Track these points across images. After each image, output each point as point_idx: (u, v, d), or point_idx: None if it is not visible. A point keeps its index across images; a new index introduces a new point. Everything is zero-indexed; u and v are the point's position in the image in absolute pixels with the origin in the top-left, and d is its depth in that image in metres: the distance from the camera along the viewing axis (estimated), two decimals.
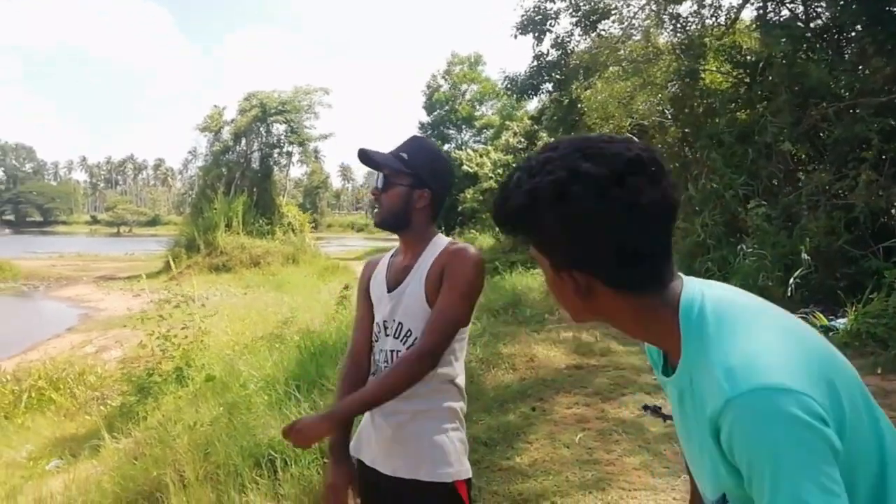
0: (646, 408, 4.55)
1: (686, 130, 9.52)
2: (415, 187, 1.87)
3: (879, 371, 4.82)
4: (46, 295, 22.43)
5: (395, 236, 1.98)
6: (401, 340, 1.86)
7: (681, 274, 0.95)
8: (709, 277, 6.71)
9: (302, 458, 3.90)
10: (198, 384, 5.78)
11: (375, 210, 1.93)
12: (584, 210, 0.87)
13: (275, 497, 3.72)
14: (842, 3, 7.75)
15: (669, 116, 10.49)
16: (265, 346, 6.97)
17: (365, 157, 1.93)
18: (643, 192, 0.87)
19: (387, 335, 1.89)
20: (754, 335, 0.84)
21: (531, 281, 12.04)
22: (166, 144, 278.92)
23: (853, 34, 8.14)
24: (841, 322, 5.67)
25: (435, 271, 1.85)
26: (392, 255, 2.00)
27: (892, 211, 6.85)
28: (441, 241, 1.91)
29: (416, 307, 1.84)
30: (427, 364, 1.76)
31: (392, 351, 1.87)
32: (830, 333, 5.62)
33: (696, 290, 0.93)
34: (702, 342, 0.87)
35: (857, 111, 7.09)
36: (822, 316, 5.89)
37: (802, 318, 5.92)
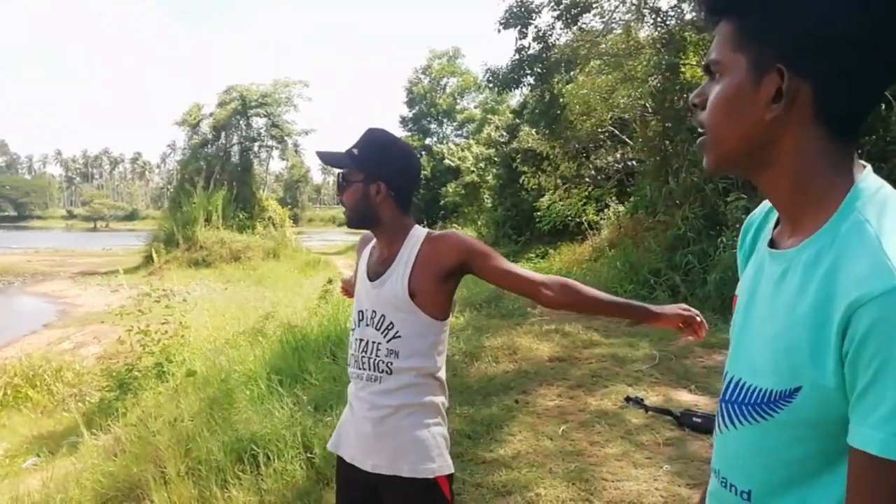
0: (628, 399, 4.60)
1: (667, 124, 9.58)
2: (368, 182, 1.86)
3: None
4: (22, 291, 22.06)
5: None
6: (381, 333, 1.84)
7: (868, 166, 0.81)
8: (689, 271, 6.79)
9: (285, 452, 3.89)
10: (178, 379, 5.72)
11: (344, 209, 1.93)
12: None
13: (257, 492, 3.69)
14: None
15: (650, 110, 10.55)
16: (246, 340, 6.92)
17: (321, 158, 1.94)
18: None
19: (367, 325, 1.88)
20: None
21: None
22: (143, 138, 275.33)
23: None
24: None
25: (424, 264, 1.83)
26: (372, 247, 1.99)
27: None
28: (418, 232, 1.89)
29: (398, 300, 1.83)
30: (556, 289, 1.86)
31: (372, 342, 1.85)
32: None
33: (880, 181, 0.80)
34: (870, 224, 0.73)
35: None
36: None
37: None
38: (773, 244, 0.88)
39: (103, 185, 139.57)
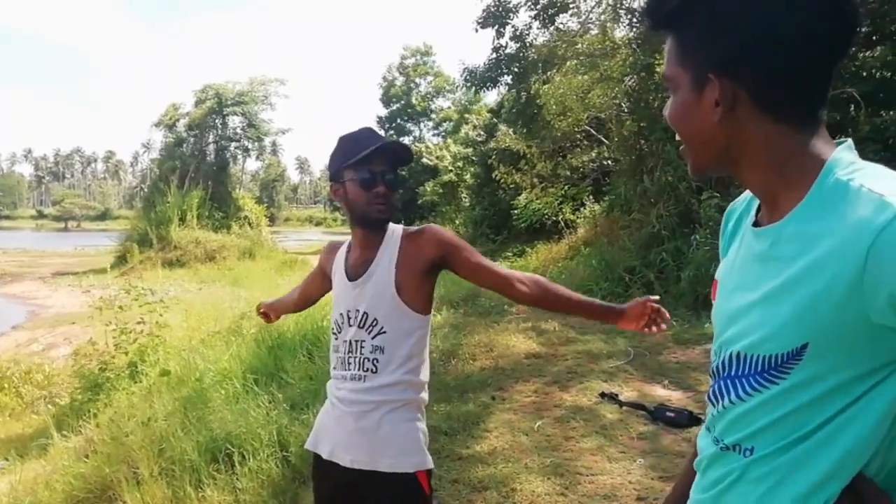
0: (603, 395, 4.64)
1: (642, 124, 9.67)
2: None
3: None
4: None
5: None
6: (366, 330, 1.84)
7: (848, 142, 0.87)
8: (663, 268, 6.86)
9: (260, 451, 3.86)
10: (152, 379, 5.65)
11: (382, 206, 1.95)
12: None
13: (232, 491, 3.67)
14: None
15: (626, 110, 10.65)
16: (222, 340, 6.85)
17: (395, 146, 1.95)
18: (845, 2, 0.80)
19: (350, 325, 1.87)
20: None
21: None
22: (116, 136, 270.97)
23: None
24: None
25: (407, 260, 1.84)
26: (347, 249, 1.99)
27: None
28: (396, 229, 1.91)
29: (384, 297, 1.83)
30: (529, 285, 1.86)
31: (356, 341, 1.85)
32: None
33: (855, 153, 0.86)
34: (852, 181, 0.79)
35: None
36: None
37: None
38: (756, 226, 0.93)
39: (75, 185, 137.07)
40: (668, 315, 1.86)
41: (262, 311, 2.53)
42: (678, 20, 0.88)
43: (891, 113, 6.97)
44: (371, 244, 1.90)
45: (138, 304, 7.10)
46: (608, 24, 11.17)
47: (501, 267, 1.93)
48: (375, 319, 1.83)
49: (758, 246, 0.90)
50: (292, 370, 5.16)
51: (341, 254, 1.99)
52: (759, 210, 0.96)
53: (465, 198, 21.98)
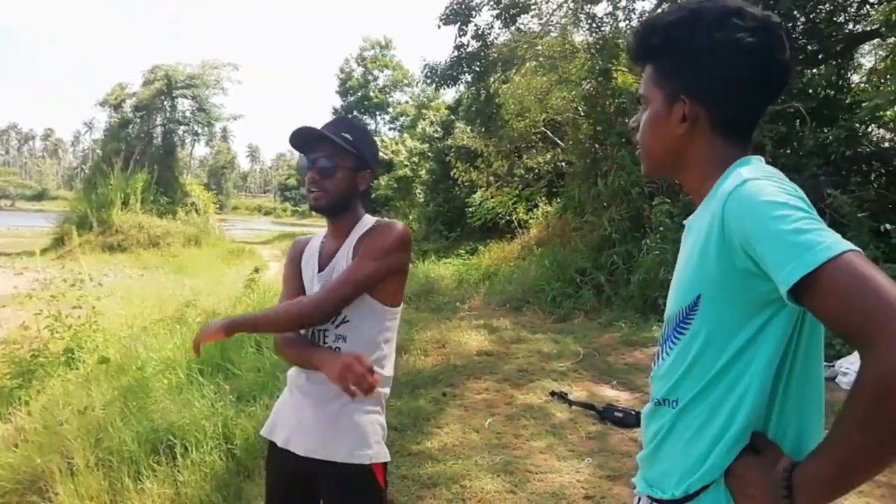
0: (553, 394, 4.68)
1: (598, 128, 9.82)
2: (358, 169, 1.83)
3: None
4: None
5: (305, 222, 1.94)
6: (330, 321, 1.80)
7: (760, 158, 1.09)
8: (613, 271, 6.99)
9: (204, 443, 3.74)
10: (90, 367, 5.40)
11: (312, 194, 1.82)
12: (737, 41, 1.03)
13: (173, 484, 3.54)
14: None
15: (582, 113, 10.79)
16: (165, 328, 6.62)
17: (308, 134, 1.81)
18: (783, 50, 1.05)
19: None
20: (778, 175, 1.00)
21: (444, 270, 12.13)
22: (57, 115, 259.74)
23: None
24: None
25: (358, 248, 1.81)
26: (322, 240, 1.93)
27: None
28: (368, 220, 1.88)
29: None
30: (311, 315, 1.73)
31: (320, 330, 1.81)
32: None
33: (761, 161, 1.08)
34: (736, 169, 1.01)
35: None
36: None
37: None
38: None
39: (10, 162, 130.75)
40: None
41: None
42: (658, 53, 1.12)
43: (833, 129, 7.25)
44: (337, 234, 1.87)
45: (74, 290, 6.78)
46: (568, 28, 11.28)
47: (338, 284, 1.74)
48: (344, 314, 1.78)
49: (684, 235, 1.13)
50: (239, 361, 5.02)
51: (314, 246, 1.93)
52: None
53: (419, 193, 21.91)
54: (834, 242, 0.83)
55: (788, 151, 7.51)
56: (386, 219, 1.93)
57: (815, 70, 8.37)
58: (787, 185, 0.95)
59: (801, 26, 8.53)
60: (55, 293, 6.43)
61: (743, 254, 0.91)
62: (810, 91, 7.94)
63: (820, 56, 8.42)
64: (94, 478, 3.57)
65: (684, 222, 1.14)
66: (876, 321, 0.78)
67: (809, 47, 8.48)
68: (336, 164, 1.79)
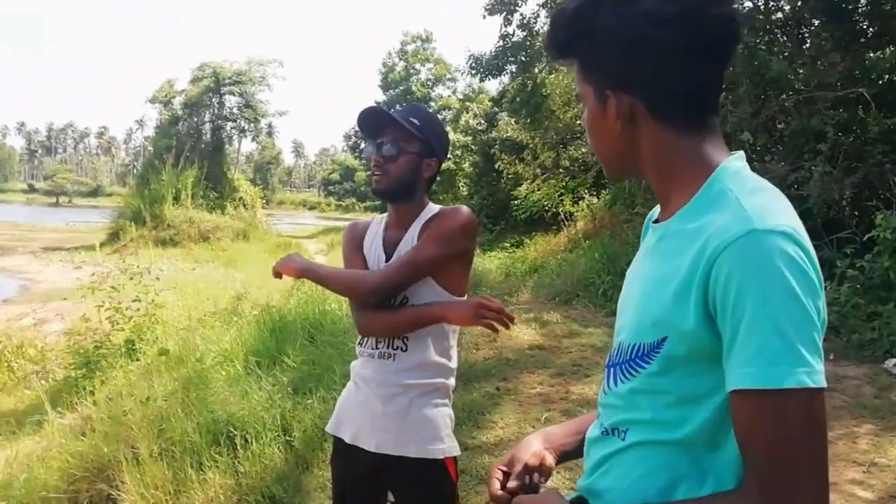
0: None
1: None
2: (424, 155, 1.80)
3: (832, 357, 4.98)
4: None
5: (348, 216, 1.91)
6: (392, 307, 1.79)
7: (740, 153, 0.95)
8: None
9: (263, 434, 3.79)
10: (150, 358, 5.55)
11: (375, 177, 1.80)
12: (649, 10, 0.87)
13: (234, 474, 3.60)
14: None
15: None
16: (220, 321, 6.76)
17: (375, 116, 1.81)
18: (714, 4, 0.87)
19: None
20: (786, 204, 0.86)
21: (489, 263, 12.09)
22: (111, 113, 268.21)
23: (812, 28, 8.33)
24: None
25: (423, 233, 1.79)
26: (384, 228, 1.90)
27: (844, 203, 7.06)
28: (433, 207, 1.85)
29: None
30: (372, 289, 1.73)
31: None
32: None
33: (744, 164, 0.93)
34: (731, 191, 0.85)
35: (815, 104, 7.25)
36: None
37: None
38: (656, 223, 1.01)
39: (67, 160, 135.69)
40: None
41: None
42: (570, 49, 0.97)
43: None
44: (400, 222, 1.85)
45: (133, 283, 6.98)
46: None
47: (400, 265, 1.75)
48: (406, 297, 1.77)
49: (650, 240, 1.00)
50: (294, 354, 5.08)
51: (375, 232, 1.91)
52: None
53: (462, 187, 21.86)
54: (809, 371, 0.74)
55: (851, 139, 7.20)
56: (449, 206, 1.90)
57: (878, 53, 7.99)
58: (802, 240, 0.79)
59: (863, 7, 8.17)
60: (113, 289, 6.62)
61: (717, 311, 0.80)
62: (873, 76, 7.59)
63: (884, 38, 8.05)
64: (158, 467, 3.66)
65: (653, 224, 0.99)
66: (788, 482, 0.75)
67: (872, 29, 8.11)
68: (401, 149, 1.77)
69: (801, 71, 7.77)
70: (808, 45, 8.38)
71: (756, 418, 0.77)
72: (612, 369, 0.98)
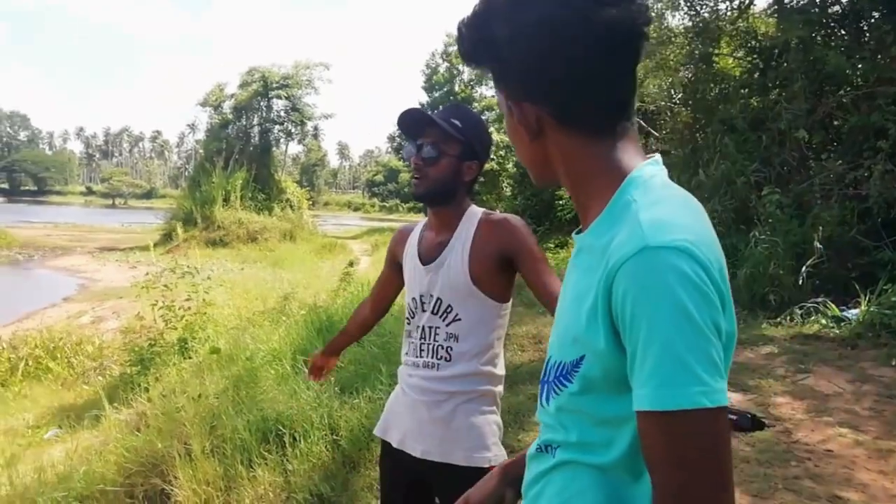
0: None
1: (697, 115, 9.39)
2: (464, 158, 1.76)
3: (894, 363, 4.77)
4: (42, 264, 22.25)
5: (392, 217, 1.91)
6: (440, 316, 1.77)
7: (656, 157, 0.91)
8: None
9: (311, 433, 3.84)
10: (201, 356, 5.69)
11: (414, 181, 1.78)
12: (539, 15, 0.83)
13: (283, 472, 3.65)
14: None
15: (678, 101, 10.36)
16: (268, 320, 6.89)
17: (416, 117, 1.77)
18: (610, 4, 0.81)
19: (423, 311, 1.80)
20: (690, 213, 0.83)
21: None
22: (163, 117, 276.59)
23: (871, 21, 8.01)
24: (853, 313, 5.61)
25: (481, 246, 1.75)
26: (422, 230, 1.90)
27: None
28: (475, 211, 1.82)
29: (457, 282, 1.75)
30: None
31: (430, 327, 1.78)
32: (842, 324, 5.57)
33: (660, 168, 0.89)
34: (636, 202, 0.82)
35: (875, 100, 6.97)
36: (833, 306, 5.83)
37: (813, 307, 5.90)
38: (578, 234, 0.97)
39: (122, 163, 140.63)
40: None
41: (315, 365, 2.39)
42: (474, 59, 0.93)
43: None
44: (441, 226, 1.82)
45: (185, 282, 7.18)
46: (665, 12, 10.85)
47: (556, 287, 1.73)
48: (450, 306, 1.75)
49: (573, 253, 0.96)
50: (341, 354, 5.13)
51: (414, 236, 1.91)
52: None
53: (506, 187, 21.78)
54: (705, 391, 0.71)
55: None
56: (496, 212, 1.88)
57: None
58: (698, 255, 0.74)
59: None
60: (169, 284, 6.82)
61: (622, 329, 0.77)
62: None
63: None
64: (210, 464, 3.74)
65: (574, 236, 0.94)
66: (682, 496, 0.73)
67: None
68: (441, 152, 1.73)
69: (860, 66, 7.49)
70: (867, 38, 8.05)
71: (655, 439, 0.75)
72: (543, 386, 0.95)
